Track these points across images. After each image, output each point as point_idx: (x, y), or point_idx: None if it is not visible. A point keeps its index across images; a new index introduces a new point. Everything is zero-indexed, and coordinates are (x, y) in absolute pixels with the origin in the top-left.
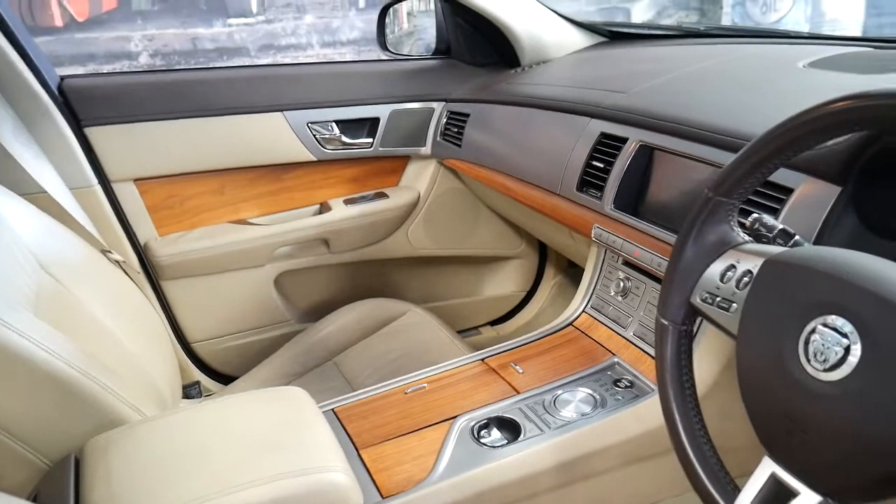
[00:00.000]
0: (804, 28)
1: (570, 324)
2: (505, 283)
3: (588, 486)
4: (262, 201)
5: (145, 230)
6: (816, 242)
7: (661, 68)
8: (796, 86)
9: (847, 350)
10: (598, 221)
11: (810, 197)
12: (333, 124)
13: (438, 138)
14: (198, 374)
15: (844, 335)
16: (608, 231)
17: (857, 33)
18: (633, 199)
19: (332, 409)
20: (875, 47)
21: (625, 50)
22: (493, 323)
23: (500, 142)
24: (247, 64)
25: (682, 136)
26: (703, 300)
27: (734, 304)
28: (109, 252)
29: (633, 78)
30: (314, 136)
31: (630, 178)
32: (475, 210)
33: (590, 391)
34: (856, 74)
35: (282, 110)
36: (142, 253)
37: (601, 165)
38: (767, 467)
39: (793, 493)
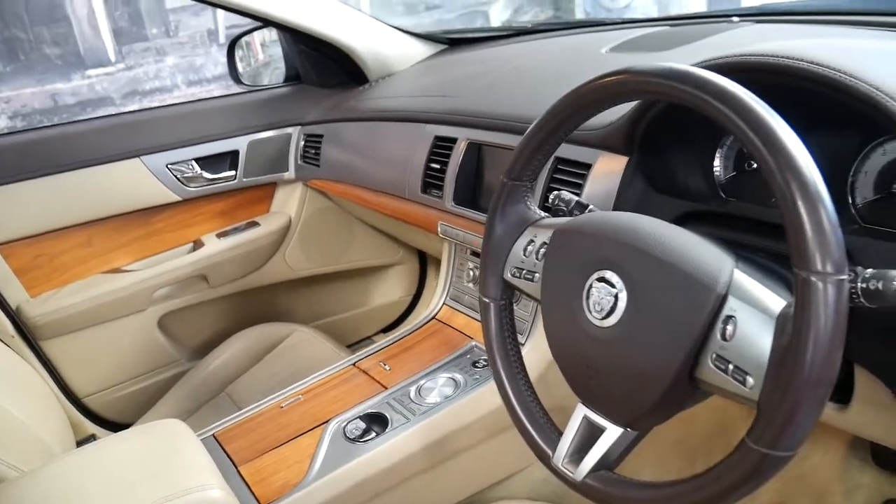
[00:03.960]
0: (653, 10)
1: (433, 317)
2: (391, 290)
3: (458, 462)
4: (132, 247)
5: (15, 293)
6: (615, 208)
7: (485, 69)
8: (597, 71)
9: (616, 298)
10: (442, 218)
11: (605, 170)
12: (193, 162)
13: (300, 161)
14: (93, 428)
15: (614, 286)
16: (452, 226)
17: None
18: (471, 193)
19: (213, 434)
20: (671, 25)
21: (460, 55)
22: (386, 330)
23: (353, 156)
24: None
25: (499, 129)
26: (513, 275)
27: (536, 274)
28: None
29: (462, 82)
30: (175, 176)
31: (465, 175)
32: (348, 225)
33: (450, 376)
34: (650, 53)
35: (138, 155)
36: (14, 317)
37: (438, 166)
38: (581, 412)
39: (601, 430)
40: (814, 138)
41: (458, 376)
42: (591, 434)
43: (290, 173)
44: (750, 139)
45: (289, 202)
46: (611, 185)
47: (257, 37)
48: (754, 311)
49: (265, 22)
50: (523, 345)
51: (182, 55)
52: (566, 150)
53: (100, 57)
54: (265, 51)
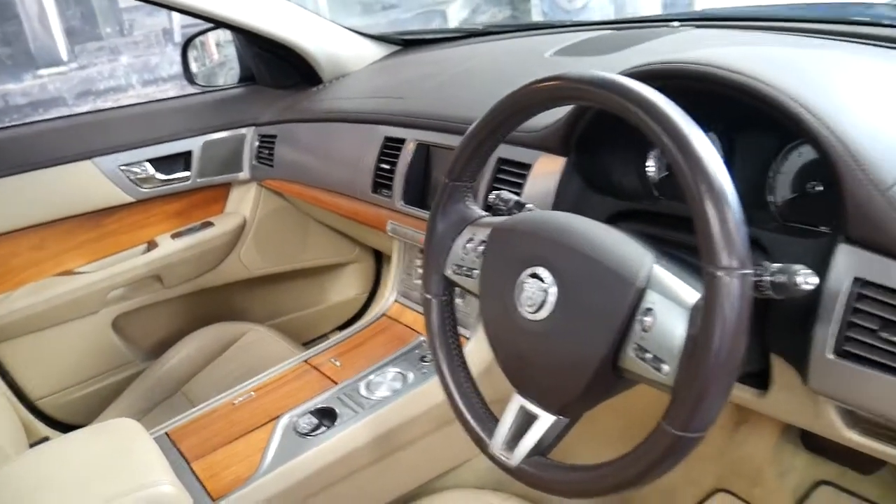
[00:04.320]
0: (609, 11)
1: (383, 314)
2: (346, 288)
3: (406, 454)
4: (85, 249)
5: None
6: (553, 207)
7: (436, 70)
8: (539, 73)
9: (546, 293)
10: (391, 217)
11: (544, 170)
12: (147, 163)
13: (254, 162)
14: (46, 430)
15: (544, 281)
16: (401, 225)
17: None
18: (420, 193)
19: (166, 432)
20: (616, 29)
21: (413, 56)
22: (342, 327)
23: (306, 157)
24: (54, 116)
25: (445, 130)
26: (454, 272)
27: (475, 271)
28: None
29: (412, 83)
30: (129, 177)
31: (413, 175)
32: (303, 224)
33: (399, 370)
34: (591, 57)
35: (91, 157)
36: None
37: (388, 167)
38: (517, 401)
39: (535, 417)
40: (741, 140)
41: (406, 371)
42: (525, 422)
43: (245, 173)
44: (665, 144)
45: (243, 202)
46: (550, 185)
47: (212, 37)
48: (671, 303)
49: (218, 24)
50: (469, 339)
51: (136, 54)
52: (508, 151)
53: (52, 56)
54: (220, 51)
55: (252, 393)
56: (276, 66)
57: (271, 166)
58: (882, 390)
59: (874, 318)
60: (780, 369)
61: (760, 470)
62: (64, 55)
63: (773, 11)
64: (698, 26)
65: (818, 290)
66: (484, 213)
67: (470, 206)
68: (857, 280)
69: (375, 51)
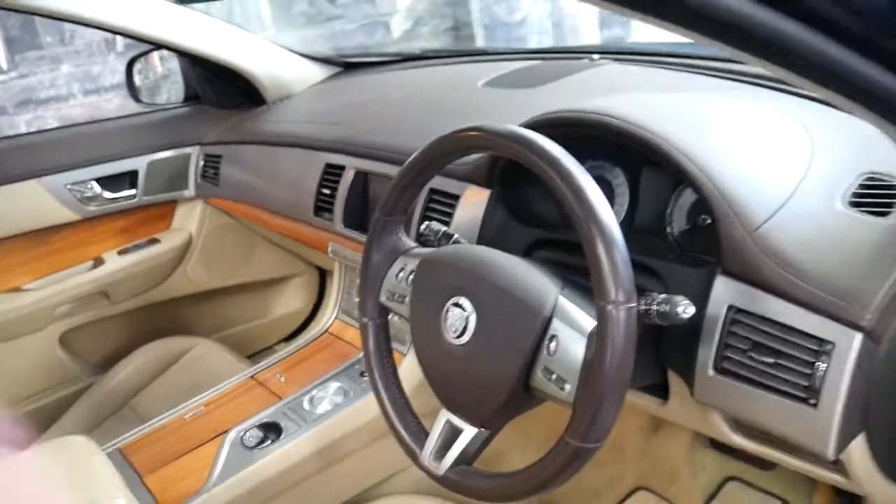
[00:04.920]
0: (547, 24)
1: (326, 331)
2: (291, 301)
3: (347, 464)
4: (31, 267)
5: None
6: (479, 237)
7: (374, 96)
8: (471, 105)
9: (467, 320)
10: (332, 240)
11: (471, 201)
12: (93, 182)
13: (199, 180)
14: None
15: (465, 309)
16: (341, 248)
17: (595, 30)
18: (359, 216)
19: (118, 448)
20: (542, 59)
21: (353, 79)
22: (287, 339)
23: (251, 177)
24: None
25: (382, 160)
26: (388, 298)
27: (406, 297)
28: None
29: (351, 109)
30: (75, 196)
31: (353, 200)
32: (249, 240)
33: (340, 385)
34: (518, 89)
35: (37, 176)
36: None
37: (329, 191)
38: (444, 416)
39: (460, 430)
40: (645, 174)
41: (347, 386)
42: (452, 434)
43: (191, 191)
44: (562, 192)
45: (189, 219)
46: (476, 216)
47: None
48: (572, 330)
49: (161, 47)
50: (405, 356)
51: (77, 63)
52: (439, 182)
53: None
54: (164, 63)
55: (202, 408)
56: (220, 87)
57: (217, 185)
58: (752, 403)
59: (746, 341)
60: (675, 382)
61: (676, 469)
62: (3, 64)
63: (682, 49)
64: (615, 60)
65: (701, 314)
66: (414, 244)
67: (402, 237)
68: (731, 307)
69: (317, 72)
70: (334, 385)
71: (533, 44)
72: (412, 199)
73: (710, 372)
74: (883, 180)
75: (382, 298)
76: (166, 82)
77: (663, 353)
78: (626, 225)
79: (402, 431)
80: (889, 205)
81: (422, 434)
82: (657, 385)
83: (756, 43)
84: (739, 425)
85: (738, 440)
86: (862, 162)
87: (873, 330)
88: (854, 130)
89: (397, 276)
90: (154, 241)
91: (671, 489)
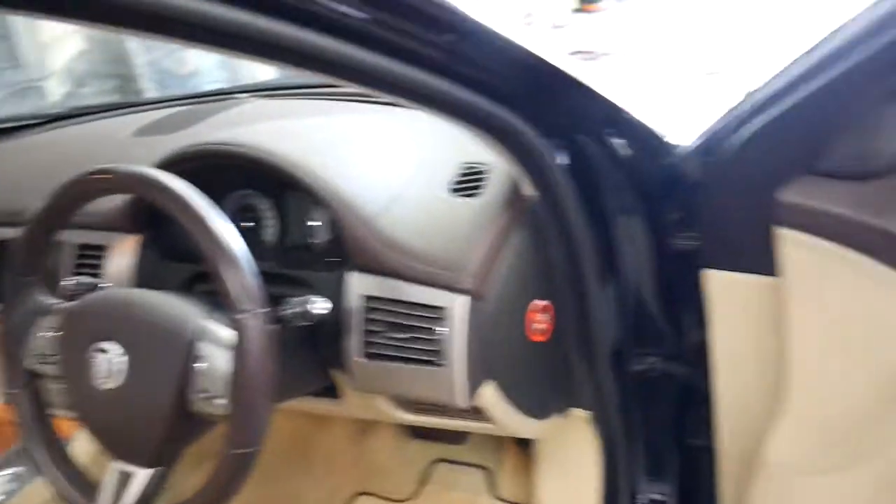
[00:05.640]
0: (221, 75)
1: None
2: None
3: None
4: None
5: None
6: (134, 282)
7: (21, 162)
8: (121, 156)
9: (110, 363)
10: None
11: (120, 249)
12: None
13: None
14: None
15: (108, 352)
16: None
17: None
18: None
19: None
20: (196, 103)
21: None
22: None
23: None
24: None
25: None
26: (39, 362)
27: (57, 356)
28: None
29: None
30: None
31: None
32: None
33: (14, 470)
34: (170, 133)
35: None
36: None
37: None
38: (112, 466)
39: (131, 475)
40: (287, 197)
41: (22, 468)
42: (125, 481)
43: None
44: (186, 223)
45: None
46: (128, 264)
47: None
48: (218, 348)
49: None
50: None
51: None
52: (86, 236)
53: None
54: None
55: None
56: None
57: None
58: (401, 378)
59: (383, 324)
60: (340, 379)
61: (387, 466)
62: None
63: (306, 81)
64: (262, 96)
65: (343, 308)
66: (58, 301)
67: (42, 297)
68: (365, 297)
69: None
70: (6, 473)
71: None
72: (45, 254)
73: (361, 359)
74: (475, 168)
75: (30, 363)
76: None
77: (323, 355)
78: (279, 244)
79: (71, 491)
80: (479, 186)
81: (93, 490)
82: (329, 387)
83: (345, 71)
84: (400, 402)
85: (404, 416)
86: (461, 154)
87: (476, 290)
88: (454, 130)
89: (44, 337)
90: None
91: (387, 486)
